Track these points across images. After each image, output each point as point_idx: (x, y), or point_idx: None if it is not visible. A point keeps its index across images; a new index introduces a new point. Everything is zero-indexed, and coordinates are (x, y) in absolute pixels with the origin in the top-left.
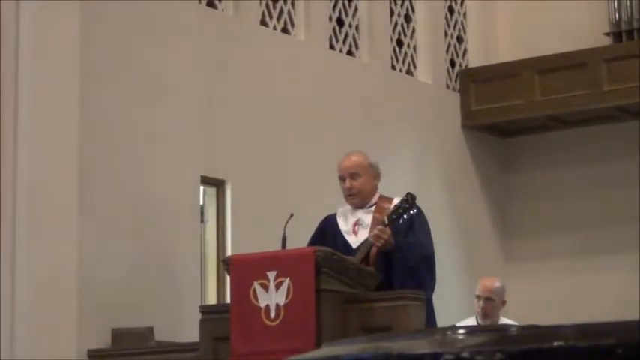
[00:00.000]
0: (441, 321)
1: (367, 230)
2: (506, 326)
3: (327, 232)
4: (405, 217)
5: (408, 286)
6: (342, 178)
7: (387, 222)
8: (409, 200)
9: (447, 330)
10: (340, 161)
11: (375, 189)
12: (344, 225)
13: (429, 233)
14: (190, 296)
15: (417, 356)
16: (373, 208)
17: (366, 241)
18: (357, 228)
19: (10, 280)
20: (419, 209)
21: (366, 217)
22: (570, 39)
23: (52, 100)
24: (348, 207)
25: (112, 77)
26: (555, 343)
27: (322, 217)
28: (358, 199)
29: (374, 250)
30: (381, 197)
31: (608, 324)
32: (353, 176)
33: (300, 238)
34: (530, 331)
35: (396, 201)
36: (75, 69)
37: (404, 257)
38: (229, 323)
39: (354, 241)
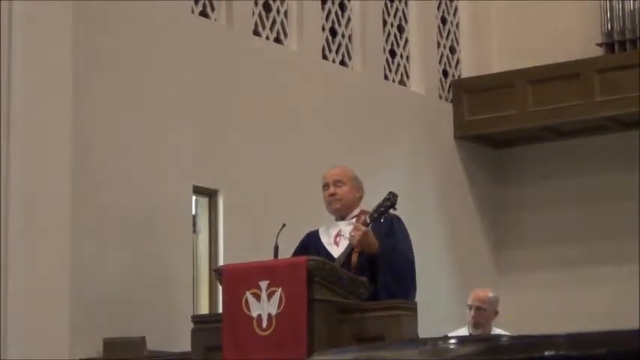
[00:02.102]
0: (433, 331)
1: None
2: (497, 336)
3: (310, 246)
4: (387, 214)
5: (392, 293)
6: (326, 185)
7: (368, 221)
8: (391, 199)
9: (439, 340)
10: (325, 172)
11: (357, 201)
12: (326, 238)
13: (409, 240)
14: (182, 306)
15: None
16: (354, 220)
17: (347, 245)
18: (339, 239)
19: (2, 290)
20: (398, 217)
21: (348, 229)
22: (563, 49)
23: (44, 110)
24: (330, 221)
25: (104, 88)
26: (547, 353)
27: (313, 227)
28: (339, 205)
29: (355, 257)
30: (363, 211)
31: (599, 334)
32: (336, 183)
33: (292, 248)
34: (522, 341)
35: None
36: (67, 81)
37: (388, 261)
38: (221, 333)
39: (335, 251)
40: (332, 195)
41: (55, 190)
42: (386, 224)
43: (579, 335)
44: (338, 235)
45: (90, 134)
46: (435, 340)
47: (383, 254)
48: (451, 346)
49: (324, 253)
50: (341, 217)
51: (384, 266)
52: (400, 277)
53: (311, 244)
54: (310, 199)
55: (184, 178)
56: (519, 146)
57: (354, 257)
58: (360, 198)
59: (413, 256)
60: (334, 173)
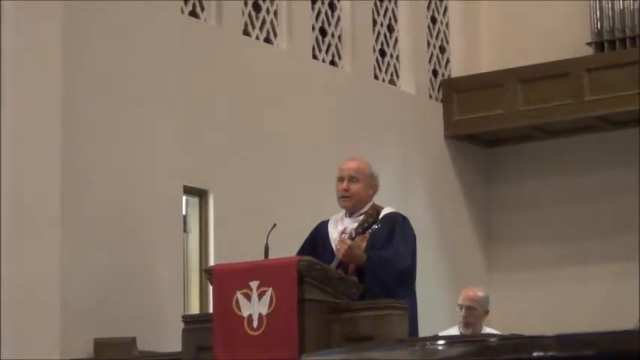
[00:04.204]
0: (424, 331)
1: None
2: (486, 337)
3: (318, 238)
4: (369, 231)
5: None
6: (341, 179)
7: (353, 235)
8: (374, 215)
9: (428, 340)
10: (343, 162)
11: (369, 198)
12: (333, 232)
13: (410, 243)
14: (173, 306)
15: None
16: (361, 217)
17: (335, 259)
18: (344, 237)
19: None
20: (404, 218)
21: (352, 226)
22: (553, 49)
23: (33, 110)
24: (340, 214)
25: (93, 87)
26: (535, 354)
27: (305, 227)
28: (350, 203)
29: (352, 266)
30: (373, 205)
31: (588, 335)
32: (351, 179)
33: (282, 248)
34: (511, 342)
35: (386, 210)
36: (57, 80)
37: (376, 273)
38: (212, 333)
39: None
40: (344, 191)
41: (44, 191)
42: (388, 227)
43: (568, 336)
44: (343, 232)
45: (79, 134)
46: (424, 340)
47: (369, 266)
48: (440, 347)
49: (329, 249)
50: (350, 213)
51: (370, 278)
52: (388, 288)
53: (320, 238)
54: (301, 199)
55: (174, 178)
56: (509, 145)
57: (351, 266)
58: (373, 194)
59: (410, 261)
60: (351, 168)
